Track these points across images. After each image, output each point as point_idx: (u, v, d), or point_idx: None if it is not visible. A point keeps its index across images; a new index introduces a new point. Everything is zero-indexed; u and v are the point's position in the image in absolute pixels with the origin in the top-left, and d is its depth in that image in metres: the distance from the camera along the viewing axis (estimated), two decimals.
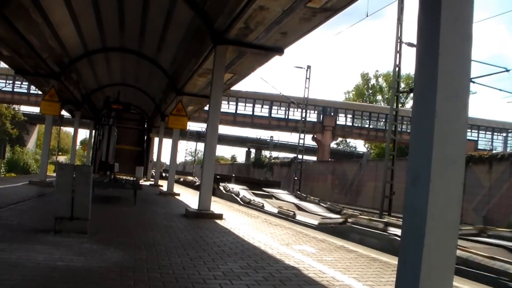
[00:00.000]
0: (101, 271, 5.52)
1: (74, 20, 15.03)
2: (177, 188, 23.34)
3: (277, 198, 28.28)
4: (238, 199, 24.48)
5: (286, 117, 63.48)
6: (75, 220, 7.91)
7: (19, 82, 58.29)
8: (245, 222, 12.58)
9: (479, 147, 61.18)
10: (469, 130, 54.74)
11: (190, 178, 46.39)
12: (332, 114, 64.25)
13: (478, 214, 27.75)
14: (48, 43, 16.13)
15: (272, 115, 63.60)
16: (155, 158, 42.14)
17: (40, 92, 32.91)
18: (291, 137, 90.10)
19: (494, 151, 39.80)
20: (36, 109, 61.31)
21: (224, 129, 71.46)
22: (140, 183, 18.37)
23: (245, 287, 5.37)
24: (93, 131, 34.84)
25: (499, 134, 67.68)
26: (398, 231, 11.67)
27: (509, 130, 67.66)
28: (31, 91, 57.38)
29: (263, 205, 21.57)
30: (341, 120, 65.50)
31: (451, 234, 4.26)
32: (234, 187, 30.38)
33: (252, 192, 29.26)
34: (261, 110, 63.56)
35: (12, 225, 8.41)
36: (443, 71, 4.17)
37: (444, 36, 4.19)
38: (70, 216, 7.86)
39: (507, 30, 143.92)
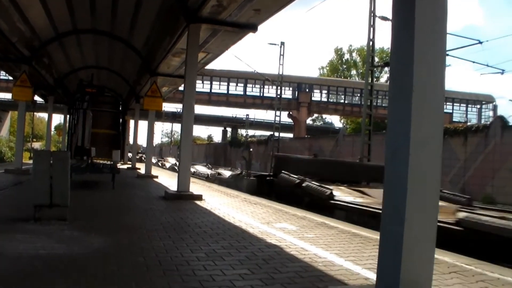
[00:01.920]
0: (84, 258, 5.48)
1: (42, 1, 14.72)
2: (154, 171, 23.27)
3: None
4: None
5: (261, 94, 63.52)
6: (55, 207, 7.83)
7: None
8: (224, 202, 12.59)
9: (454, 120, 61.97)
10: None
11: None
12: (307, 90, 64.41)
13: (455, 186, 28.10)
14: (17, 27, 15.81)
15: (247, 93, 63.53)
16: (131, 141, 41.90)
17: (11, 78, 32.31)
18: (267, 115, 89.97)
19: (469, 124, 40.21)
20: (7, 95, 60.00)
21: (199, 109, 71.28)
22: (118, 166, 18.27)
23: (228, 267, 5.38)
24: (68, 116, 34.46)
25: (473, 106, 68.53)
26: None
27: (483, 102, 68.56)
28: (1, 77, 56.25)
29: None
30: (316, 96, 65.76)
31: (432, 207, 4.30)
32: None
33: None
34: (235, 89, 63.48)
35: None
36: (419, 45, 4.17)
37: (419, 10, 4.19)
38: (49, 203, 7.78)
39: (480, 3, 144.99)
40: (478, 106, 68.93)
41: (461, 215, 9.44)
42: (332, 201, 14.54)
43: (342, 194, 15.93)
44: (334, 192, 15.23)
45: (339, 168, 22.01)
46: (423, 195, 4.20)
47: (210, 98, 61.95)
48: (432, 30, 4.28)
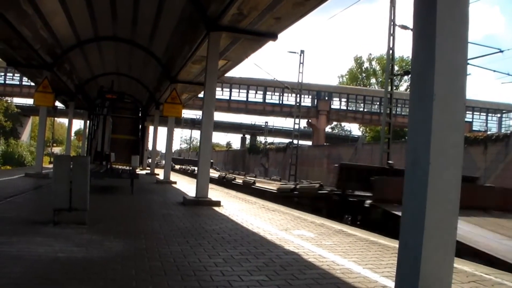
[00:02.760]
0: (102, 262, 5.52)
1: (65, 9, 14.90)
2: (173, 176, 23.36)
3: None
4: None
5: (281, 102, 63.42)
6: (74, 211, 7.90)
7: (11, 74, 57.91)
8: (243, 208, 12.60)
9: (474, 129, 61.35)
10: None
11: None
12: (327, 98, 64.17)
13: None
14: (40, 34, 16.02)
15: (267, 101, 63.52)
16: (150, 146, 42.12)
17: (33, 84, 32.73)
18: (286, 122, 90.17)
19: (489, 132, 39.82)
20: (29, 101, 61.09)
21: (218, 116, 71.34)
22: (137, 172, 18.38)
23: (246, 273, 5.38)
24: (88, 121, 34.76)
25: (493, 115, 67.80)
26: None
27: (504, 111, 67.77)
28: (24, 83, 56.98)
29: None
30: (336, 104, 65.42)
31: (451, 216, 4.27)
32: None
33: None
34: (255, 96, 63.46)
35: (11, 217, 8.39)
36: (440, 53, 4.16)
37: (440, 18, 4.18)
38: (69, 207, 7.85)
39: (501, 11, 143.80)
40: (499, 115, 68.16)
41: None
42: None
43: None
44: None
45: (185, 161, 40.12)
46: (443, 204, 4.18)
47: (230, 105, 62.04)
48: (453, 38, 4.26)
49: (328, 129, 76.61)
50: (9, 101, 58.81)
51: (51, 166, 10.05)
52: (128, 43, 19.12)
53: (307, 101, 62.72)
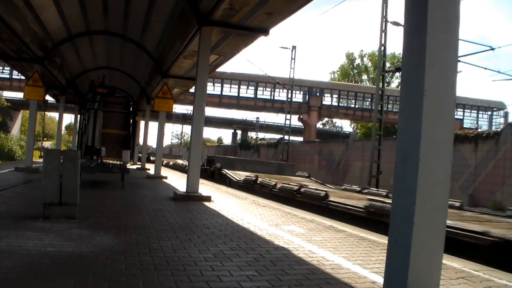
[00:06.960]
0: (92, 256, 5.50)
1: (56, 2, 14.82)
2: (164, 171, 23.32)
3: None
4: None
5: (272, 98, 63.31)
6: (64, 205, 7.88)
7: (1, 67, 57.47)
8: (233, 203, 12.61)
9: (464, 126, 61.55)
10: None
11: (179, 161, 46.38)
12: (318, 94, 64.15)
13: (464, 193, 27.96)
14: (31, 27, 15.91)
15: (258, 96, 63.36)
16: (141, 141, 42.04)
17: (23, 77, 32.51)
18: (277, 118, 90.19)
19: (479, 130, 40.00)
20: (19, 95, 60.54)
21: (210, 111, 71.06)
22: (127, 167, 18.34)
23: (236, 268, 5.39)
24: (79, 116, 34.64)
25: (484, 112, 68.03)
26: None
27: (494, 109, 68.06)
28: (14, 76, 56.60)
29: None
30: (327, 100, 65.39)
31: (441, 213, 4.30)
32: None
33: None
34: (246, 92, 63.32)
35: (0, 212, 8.36)
36: (431, 49, 4.17)
37: (431, 15, 4.19)
38: (59, 202, 7.83)
39: (494, 10, 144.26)
40: (489, 113, 68.42)
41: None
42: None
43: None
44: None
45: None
46: (432, 200, 4.20)
47: (221, 101, 61.87)
48: (444, 35, 4.28)
49: (319, 125, 76.72)
50: None
51: (41, 160, 10.00)
52: (119, 37, 19.06)
53: (298, 97, 62.73)
